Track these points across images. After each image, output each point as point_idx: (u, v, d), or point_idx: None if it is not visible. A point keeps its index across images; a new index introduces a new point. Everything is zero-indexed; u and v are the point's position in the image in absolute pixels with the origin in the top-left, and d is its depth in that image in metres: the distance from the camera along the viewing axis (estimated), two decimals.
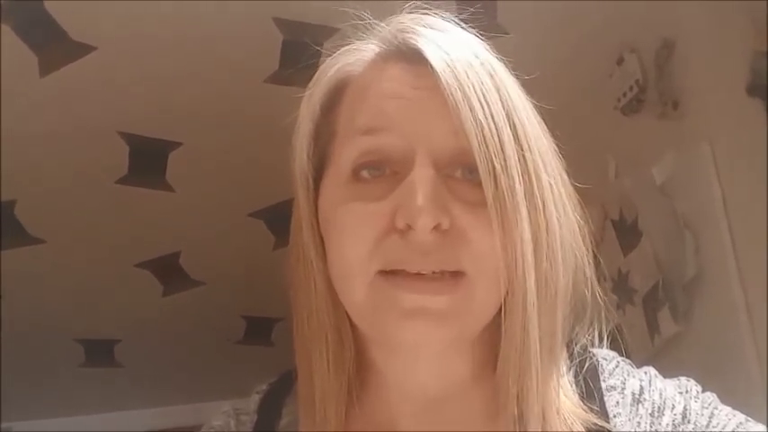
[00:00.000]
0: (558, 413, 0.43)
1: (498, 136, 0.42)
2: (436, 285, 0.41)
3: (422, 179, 0.41)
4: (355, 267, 0.43)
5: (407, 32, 0.46)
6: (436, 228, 0.41)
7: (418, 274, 0.41)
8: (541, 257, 0.42)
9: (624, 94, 1.47)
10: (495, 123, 0.42)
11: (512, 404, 0.42)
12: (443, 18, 0.47)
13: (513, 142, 0.42)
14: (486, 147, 0.41)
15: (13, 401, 2.47)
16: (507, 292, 0.42)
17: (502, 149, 0.42)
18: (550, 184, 0.44)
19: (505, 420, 0.43)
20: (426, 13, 0.47)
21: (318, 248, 0.46)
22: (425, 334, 0.42)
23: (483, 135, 0.41)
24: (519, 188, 0.42)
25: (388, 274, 0.42)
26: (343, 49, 0.48)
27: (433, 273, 0.41)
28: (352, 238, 0.43)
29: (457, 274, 0.42)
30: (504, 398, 0.43)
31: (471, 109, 0.42)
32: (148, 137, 1.72)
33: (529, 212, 0.42)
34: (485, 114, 0.42)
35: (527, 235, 0.42)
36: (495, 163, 0.41)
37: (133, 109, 1.63)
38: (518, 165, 0.42)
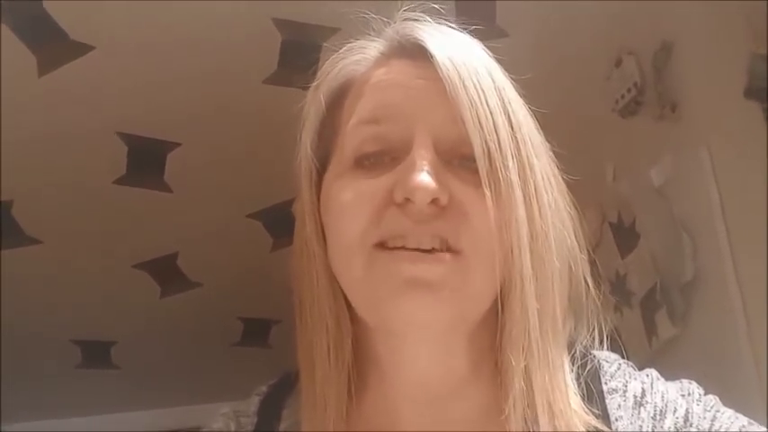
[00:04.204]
0: (565, 398, 0.43)
1: (493, 120, 0.43)
2: (433, 257, 0.42)
3: (421, 155, 0.43)
4: (354, 242, 0.43)
5: (409, 29, 0.47)
6: (434, 202, 0.42)
7: (417, 249, 0.42)
8: (536, 238, 0.43)
9: (622, 96, 1.47)
10: (490, 109, 0.43)
11: (518, 382, 0.42)
12: (445, 21, 0.48)
13: (507, 128, 0.44)
14: (481, 127, 0.43)
15: (8, 402, 2.46)
16: (504, 275, 0.43)
17: (496, 132, 0.43)
18: (543, 174, 0.45)
19: (512, 406, 0.42)
20: (426, 17, 0.48)
21: (320, 240, 0.46)
22: (422, 307, 0.42)
23: (478, 117, 0.43)
24: (513, 169, 0.43)
25: (386, 248, 0.43)
26: (347, 46, 0.50)
27: (432, 249, 0.42)
28: (351, 213, 0.44)
29: (454, 253, 0.42)
30: (508, 377, 0.43)
31: (467, 93, 0.43)
32: (147, 137, 1.71)
33: (523, 194, 0.43)
34: (480, 99, 0.43)
35: (522, 215, 0.43)
36: (490, 143, 0.43)
37: (131, 109, 1.62)
38: (511, 148, 0.43)
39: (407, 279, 0.42)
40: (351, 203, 0.44)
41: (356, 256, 0.43)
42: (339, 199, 0.45)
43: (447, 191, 0.42)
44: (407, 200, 0.42)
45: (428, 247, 0.42)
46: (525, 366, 0.42)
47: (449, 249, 0.42)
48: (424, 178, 0.41)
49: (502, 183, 0.42)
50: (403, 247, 0.42)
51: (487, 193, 0.42)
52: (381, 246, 0.43)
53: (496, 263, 0.42)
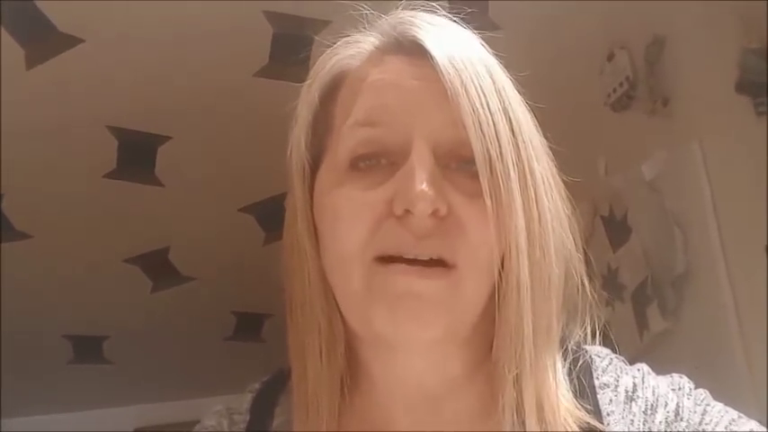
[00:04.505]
0: (555, 402, 0.43)
1: (494, 124, 0.43)
2: (428, 271, 0.42)
3: (421, 165, 0.42)
4: (352, 254, 0.43)
5: (406, 25, 0.46)
6: (434, 213, 0.41)
7: (414, 261, 0.42)
8: (534, 245, 0.43)
9: (614, 91, 1.48)
10: (491, 113, 0.43)
11: (509, 390, 0.42)
12: (440, 15, 0.47)
13: (508, 132, 0.43)
14: (483, 134, 0.42)
15: (0, 398, 2.45)
16: (501, 281, 0.43)
17: (497, 137, 0.42)
18: (543, 177, 0.45)
19: (502, 412, 0.43)
20: (422, 9, 0.48)
21: (312, 239, 0.46)
22: (415, 322, 0.42)
23: (479, 122, 0.42)
24: (513, 176, 0.42)
25: (384, 260, 0.42)
26: (342, 40, 0.49)
27: (429, 260, 0.42)
28: (349, 225, 0.43)
29: (448, 266, 0.42)
30: (500, 384, 0.43)
31: (468, 97, 0.42)
32: (137, 131, 1.70)
33: (523, 201, 0.43)
34: (481, 103, 0.43)
35: (521, 222, 0.42)
36: (491, 150, 0.42)
37: (121, 102, 1.61)
38: (512, 154, 0.43)
39: (402, 293, 0.41)
40: (349, 215, 0.43)
41: (354, 269, 0.43)
42: (336, 208, 0.44)
43: (446, 202, 0.42)
44: (407, 211, 0.41)
45: (426, 258, 0.42)
46: (517, 375, 0.42)
47: (444, 264, 0.42)
48: (425, 190, 0.41)
49: (502, 191, 0.42)
50: (401, 257, 0.42)
51: (488, 202, 0.41)
52: (379, 259, 0.42)
53: (493, 274, 0.42)
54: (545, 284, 0.43)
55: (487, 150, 0.42)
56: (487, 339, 0.45)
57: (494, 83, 0.44)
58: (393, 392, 0.46)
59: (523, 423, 0.43)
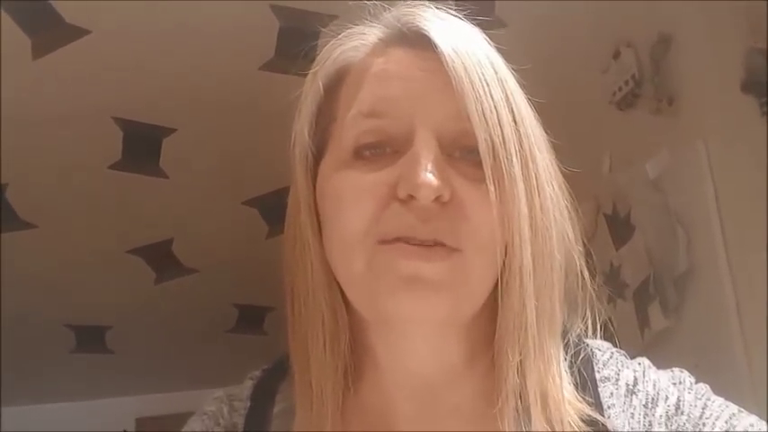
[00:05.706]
0: (559, 393, 0.44)
1: (497, 113, 0.43)
2: (432, 254, 0.42)
3: (425, 150, 0.42)
4: (355, 236, 0.43)
5: (411, 16, 0.47)
6: (437, 199, 0.42)
7: (417, 244, 0.42)
8: (537, 232, 0.43)
9: (620, 89, 1.47)
10: (494, 101, 0.43)
11: (512, 376, 0.43)
12: (444, 10, 0.48)
13: (510, 121, 0.44)
14: (486, 121, 0.43)
15: (2, 386, 2.47)
16: (504, 268, 0.43)
17: (500, 125, 0.43)
18: (544, 166, 0.45)
19: (505, 399, 0.43)
20: (427, 5, 0.48)
21: (315, 228, 0.46)
22: (420, 304, 0.42)
23: (482, 109, 0.43)
24: (516, 163, 0.43)
25: (387, 242, 0.43)
26: (346, 31, 0.49)
27: (433, 243, 0.42)
28: (353, 207, 0.43)
29: (453, 250, 0.42)
30: (503, 371, 0.43)
31: (472, 85, 0.43)
32: (143, 122, 1.71)
33: (525, 188, 0.43)
34: (485, 91, 0.43)
35: (524, 209, 0.43)
36: (494, 136, 0.42)
37: (127, 94, 1.62)
38: (515, 142, 0.43)
39: (406, 276, 0.41)
40: (352, 198, 0.43)
41: (357, 251, 0.43)
42: (339, 192, 0.44)
43: (449, 187, 0.42)
44: (410, 196, 0.42)
45: (429, 240, 0.42)
46: (520, 361, 0.43)
47: (446, 247, 0.42)
48: (428, 176, 0.41)
49: (505, 178, 0.42)
50: (404, 237, 0.42)
51: (491, 188, 0.42)
52: (382, 242, 0.43)
53: (497, 259, 0.42)
54: (548, 270, 0.44)
55: (490, 137, 0.42)
56: (488, 331, 0.45)
57: (496, 73, 0.44)
58: (396, 380, 0.46)
59: (526, 412, 0.43)
